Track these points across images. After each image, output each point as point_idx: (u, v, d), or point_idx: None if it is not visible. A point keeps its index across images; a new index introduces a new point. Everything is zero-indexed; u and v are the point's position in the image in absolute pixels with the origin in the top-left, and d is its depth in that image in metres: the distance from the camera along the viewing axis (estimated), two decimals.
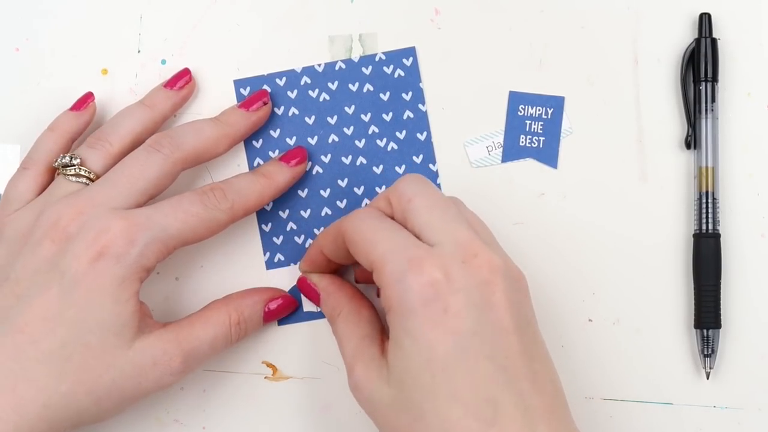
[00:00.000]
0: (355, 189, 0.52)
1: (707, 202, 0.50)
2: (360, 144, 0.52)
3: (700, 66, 0.51)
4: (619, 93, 0.52)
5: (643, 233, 0.51)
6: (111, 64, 0.53)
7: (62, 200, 0.46)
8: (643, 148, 0.52)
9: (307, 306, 0.52)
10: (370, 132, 0.52)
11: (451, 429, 0.40)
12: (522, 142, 0.52)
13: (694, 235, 0.50)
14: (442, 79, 0.52)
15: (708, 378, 0.50)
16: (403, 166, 0.52)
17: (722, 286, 0.50)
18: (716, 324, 0.50)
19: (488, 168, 0.52)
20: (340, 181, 0.52)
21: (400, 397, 0.42)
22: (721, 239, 0.50)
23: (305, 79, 0.52)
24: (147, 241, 0.45)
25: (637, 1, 0.52)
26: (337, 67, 0.52)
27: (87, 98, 0.51)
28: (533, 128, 0.52)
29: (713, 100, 0.51)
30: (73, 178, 0.48)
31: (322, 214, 0.52)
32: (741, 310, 0.51)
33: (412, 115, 0.52)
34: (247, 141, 0.52)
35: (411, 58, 0.52)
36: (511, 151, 0.52)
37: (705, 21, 0.51)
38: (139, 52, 0.53)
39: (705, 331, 0.50)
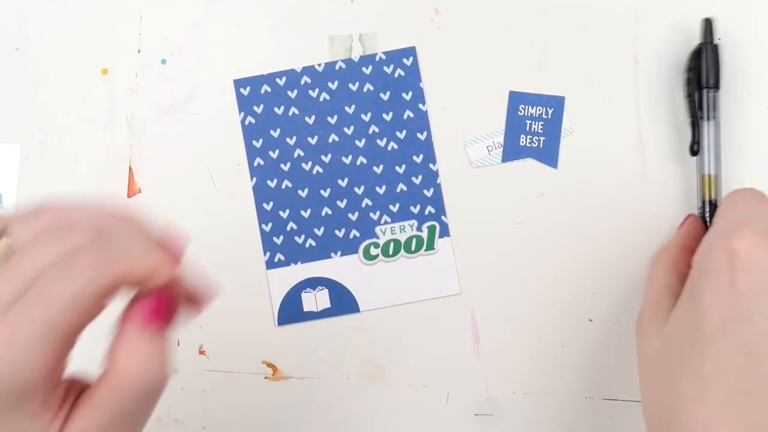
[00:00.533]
0: (355, 189, 0.52)
1: (711, 211, 0.50)
2: (360, 144, 0.52)
3: (702, 73, 0.51)
4: (619, 93, 0.52)
5: (643, 233, 0.51)
6: (111, 64, 0.53)
7: None
8: (643, 148, 0.52)
9: (307, 306, 0.52)
10: (370, 132, 0.52)
11: (691, 404, 0.39)
12: (522, 142, 0.52)
13: None
14: (442, 79, 0.52)
15: None
16: (404, 166, 0.52)
17: None
18: None
19: (488, 168, 0.52)
20: (340, 181, 0.52)
21: (663, 354, 0.42)
22: None
23: (305, 79, 0.52)
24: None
25: (637, 1, 0.52)
26: (337, 67, 0.52)
27: None
28: (533, 128, 0.52)
29: (715, 107, 0.51)
30: None
31: (322, 214, 0.52)
32: None
33: (412, 115, 0.52)
34: (248, 141, 0.52)
35: (411, 58, 0.52)
36: (511, 151, 0.52)
37: (707, 27, 0.51)
38: (139, 52, 0.53)
39: None
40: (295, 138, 0.52)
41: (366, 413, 0.52)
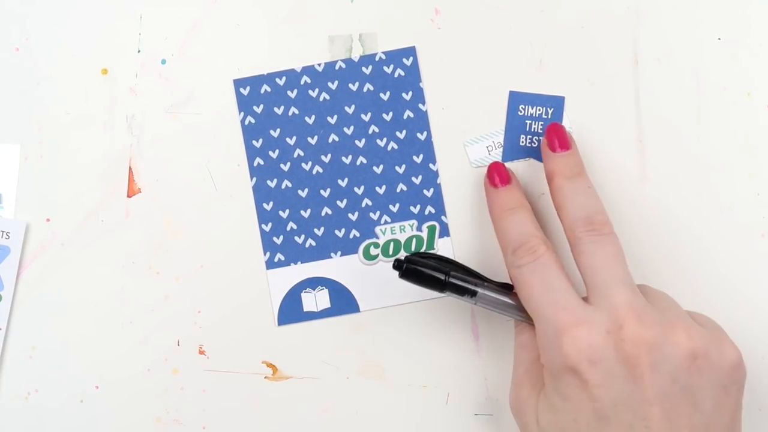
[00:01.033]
0: (355, 189, 0.52)
1: None
2: (360, 144, 0.52)
3: None
4: (619, 93, 0.52)
5: (643, 233, 0.51)
6: (111, 64, 0.53)
7: None
8: (643, 148, 0.52)
9: (307, 306, 0.52)
10: (370, 132, 0.52)
11: None
12: (522, 141, 0.52)
13: None
14: (442, 79, 0.52)
15: None
16: (404, 166, 0.52)
17: (722, 286, 0.50)
18: None
19: None
20: (340, 181, 0.52)
21: None
22: (722, 240, 0.50)
23: (305, 79, 0.52)
24: None
25: (637, 1, 0.52)
26: (337, 67, 0.52)
27: None
28: (533, 128, 0.52)
29: None
30: None
31: (322, 214, 0.52)
32: (741, 310, 0.51)
33: (412, 115, 0.52)
34: (248, 141, 0.52)
35: (411, 58, 0.52)
36: (511, 151, 0.52)
37: None
38: (139, 52, 0.53)
39: None
40: (294, 138, 0.52)
41: (366, 413, 0.52)
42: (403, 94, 0.52)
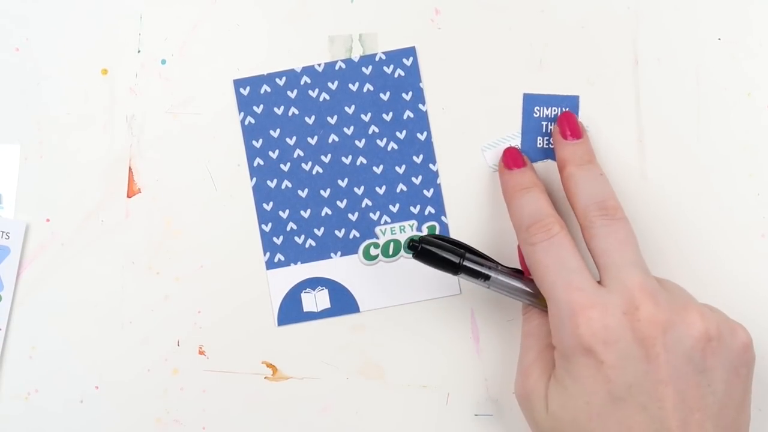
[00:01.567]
0: (355, 189, 0.52)
1: None
2: (360, 144, 0.52)
3: None
4: (619, 93, 0.52)
5: (643, 233, 0.51)
6: (111, 64, 0.53)
7: None
8: (643, 148, 0.52)
9: (307, 306, 0.52)
10: (370, 132, 0.52)
11: None
12: (539, 143, 0.52)
13: None
14: (442, 79, 0.52)
15: None
16: (403, 166, 0.52)
17: (723, 286, 0.50)
18: None
19: (489, 168, 0.52)
20: (340, 181, 0.52)
21: (557, 427, 0.44)
22: (722, 240, 0.50)
23: (305, 79, 0.52)
24: None
25: (637, 1, 0.52)
26: (337, 67, 0.52)
27: None
28: (549, 129, 0.52)
29: None
30: None
31: (322, 214, 0.52)
32: (741, 310, 0.51)
33: (412, 115, 0.52)
34: (247, 141, 0.52)
35: (411, 58, 0.52)
36: (529, 154, 0.51)
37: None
38: (139, 52, 0.53)
39: None
40: (294, 138, 0.52)
41: (366, 413, 0.52)
42: (403, 95, 0.52)
